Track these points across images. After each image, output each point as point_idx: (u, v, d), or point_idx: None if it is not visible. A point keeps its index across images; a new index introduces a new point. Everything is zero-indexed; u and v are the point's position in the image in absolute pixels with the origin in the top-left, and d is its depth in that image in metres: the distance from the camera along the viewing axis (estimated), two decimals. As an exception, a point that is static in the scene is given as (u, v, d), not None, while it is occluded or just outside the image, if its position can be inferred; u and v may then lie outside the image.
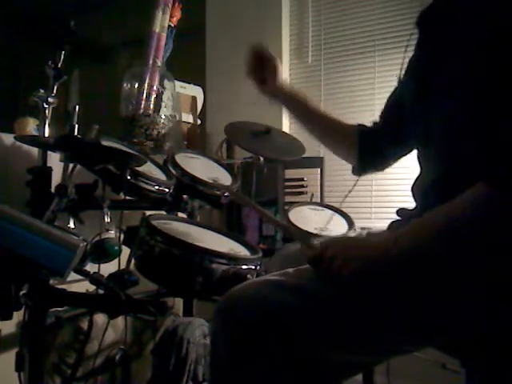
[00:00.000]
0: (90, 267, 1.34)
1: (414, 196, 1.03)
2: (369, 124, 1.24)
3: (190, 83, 2.63)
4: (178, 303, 1.98)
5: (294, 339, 0.86)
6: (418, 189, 1.02)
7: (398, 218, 1.05)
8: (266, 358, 0.85)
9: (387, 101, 1.20)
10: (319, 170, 2.32)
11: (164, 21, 2.37)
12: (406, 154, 1.19)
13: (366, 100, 2.49)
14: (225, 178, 1.77)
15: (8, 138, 1.68)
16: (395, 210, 1.06)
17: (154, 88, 2.29)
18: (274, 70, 1.28)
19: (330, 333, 0.86)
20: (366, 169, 1.26)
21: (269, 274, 1.00)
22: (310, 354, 0.86)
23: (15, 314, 0.97)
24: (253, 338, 0.85)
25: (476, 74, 0.84)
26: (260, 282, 0.93)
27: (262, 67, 1.29)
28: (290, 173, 2.32)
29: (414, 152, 1.10)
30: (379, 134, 1.20)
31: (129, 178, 1.40)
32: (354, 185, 1.24)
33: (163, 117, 2.27)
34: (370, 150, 1.21)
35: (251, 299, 0.89)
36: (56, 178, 1.46)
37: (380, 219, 2.38)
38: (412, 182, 1.04)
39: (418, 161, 1.05)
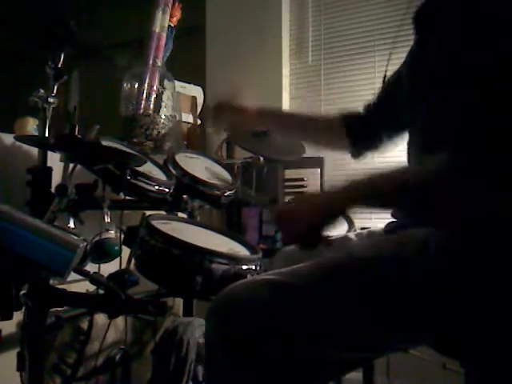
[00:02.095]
0: (90, 267, 1.34)
1: None
2: (357, 110, 1.27)
3: (190, 83, 2.63)
4: (178, 303, 1.98)
5: (289, 337, 0.86)
6: None
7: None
8: (261, 356, 0.85)
9: (384, 84, 1.21)
10: (319, 170, 2.32)
11: (164, 21, 2.37)
12: (400, 136, 1.19)
13: (365, 100, 2.49)
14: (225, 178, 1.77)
15: (8, 138, 1.68)
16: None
17: (154, 88, 2.29)
18: (237, 109, 1.35)
19: (326, 331, 0.87)
20: (360, 151, 1.27)
21: (263, 273, 1.00)
22: (305, 351, 0.86)
23: (15, 313, 0.97)
24: (248, 337, 0.86)
25: (459, 73, 0.84)
26: (254, 282, 0.94)
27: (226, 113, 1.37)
28: (290, 173, 2.32)
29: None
30: (372, 116, 1.22)
31: (129, 178, 1.40)
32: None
33: (163, 117, 2.27)
34: (361, 133, 1.24)
35: (246, 298, 0.89)
36: (56, 178, 1.46)
37: (380, 219, 2.38)
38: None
39: (408, 157, 1.05)
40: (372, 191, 0.88)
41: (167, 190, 1.53)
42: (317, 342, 0.86)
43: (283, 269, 0.94)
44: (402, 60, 1.13)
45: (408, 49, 1.09)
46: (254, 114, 1.35)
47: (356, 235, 1.20)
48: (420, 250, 0.86)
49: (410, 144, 1.05)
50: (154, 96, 2.29)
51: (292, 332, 0.86)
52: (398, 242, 0.91)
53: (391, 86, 1.18)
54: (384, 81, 1.21)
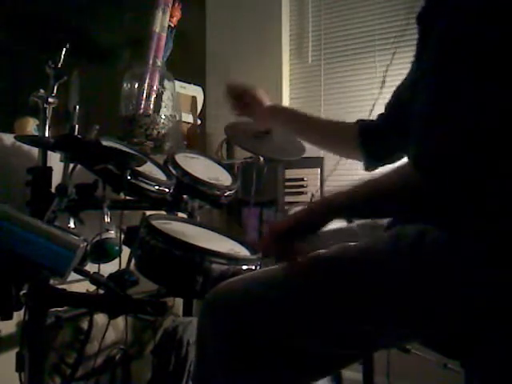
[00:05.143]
0: (90, 267, 1.34)
1: None
2: (370, 118, 1.24)
3: (190, 83, 2.63)
4: (178, 303, 1.98)
5: (282, 332, 0.87)
6: None
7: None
8: (255, 350, 0.86)
9: (394, 91, 1.19)
10: (319, 169, 2.32)
11: (164, 21, 2.37)
12: None
13: (365, 100, 2.49)
14: (225, 178, 1.77)
15: (8, 138, 1.68)
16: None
17: (154, 88, 2.29)
18: (255, 98, 1.40)
19: (316, 325, 0.87)
20: (374, 163, 1.25)
21: (257, 271, 1.01)
22: (296, 345, 0.87)
23: (15, 314, 0.97)
24: (241, 331, 0.87)
25: (440, 67, 0.83)
26: (249, 277, 0.95)
27: (243, 99, 1.43)
28: (290, 173, 2.32)
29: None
30: (384, 125, 1.19)
31: (129, 178, 1.40)
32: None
33: (163, 117, 2.27)
34: (375, 144, 1.21)
35: (240, 293, 0.90)
36: (56, 178, 1.46)
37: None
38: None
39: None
40: (353, 198, 0.87)
41: (167, 190, 1.53)
42: (309, 335, 0.87)
43: (278, 265, 0.94)
44: (403, 60, 1.12)
45: (409, 49, 1.08)
46: (265, 110, 1.37)
47: (358, 226, 1.19)
48: (415, 245, 0.86)
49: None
50: (154, 96, 2.29)
51: (285, 326, 0.87)
52: (394, 238, 0.90)
53: (401, 93, 1.15)
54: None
